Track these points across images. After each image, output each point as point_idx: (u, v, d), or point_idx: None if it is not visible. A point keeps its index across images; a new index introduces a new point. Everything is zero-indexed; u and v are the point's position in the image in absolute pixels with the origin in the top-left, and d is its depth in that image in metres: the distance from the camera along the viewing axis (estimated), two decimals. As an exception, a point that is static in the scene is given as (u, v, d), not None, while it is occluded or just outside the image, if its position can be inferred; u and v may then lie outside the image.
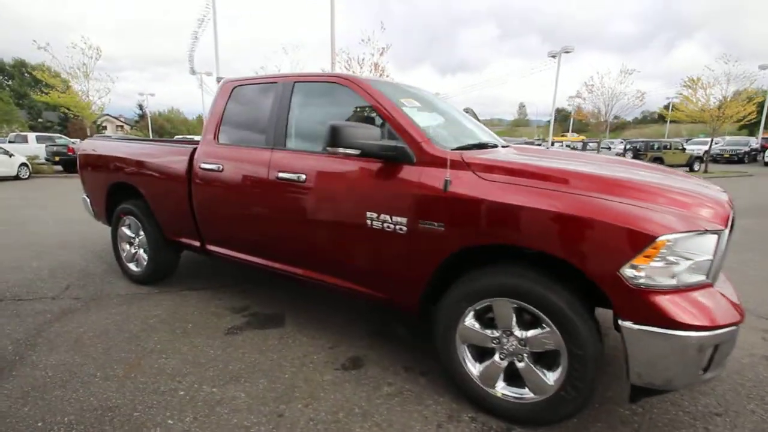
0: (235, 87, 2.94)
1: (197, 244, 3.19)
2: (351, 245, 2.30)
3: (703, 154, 19.34)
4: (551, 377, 1.81)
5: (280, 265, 2.70)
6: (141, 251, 3.64)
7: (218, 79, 18.84)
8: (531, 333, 1.84)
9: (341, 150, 2.02)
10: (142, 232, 3.57)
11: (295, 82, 2.63)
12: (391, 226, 2.09)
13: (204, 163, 2.89)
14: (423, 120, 2.36)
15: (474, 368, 2.01)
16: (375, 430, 1.87)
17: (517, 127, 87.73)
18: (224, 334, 2.77)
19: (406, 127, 2.14)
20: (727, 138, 24.53)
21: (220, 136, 2.93)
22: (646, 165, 2.45)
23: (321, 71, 2.58)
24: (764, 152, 22.25)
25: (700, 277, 1.62)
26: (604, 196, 1.66)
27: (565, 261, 1.69)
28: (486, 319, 1.99)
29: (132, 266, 3.74)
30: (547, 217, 1.69)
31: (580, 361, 1.71)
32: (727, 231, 1.65)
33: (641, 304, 1.58)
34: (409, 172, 2.06)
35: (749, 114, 17.03)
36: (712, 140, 19.07)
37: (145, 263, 3.59)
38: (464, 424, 1.92)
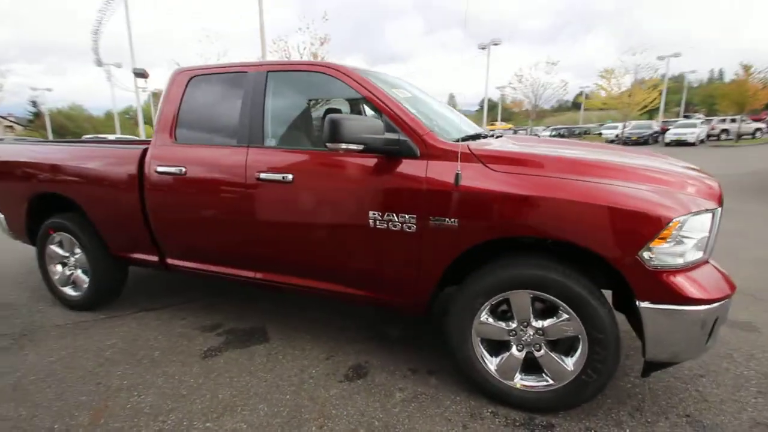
0: (192, 77, 2.58)
1: (154, 258, 2.79)
2: (349, 247, 2.14)
3: (615, 138, 21.70)
4: (570, 363, 1.84)
5: (261, 274, 2.45)
6: (79, 272, 3.11)
7: (136, 73, 16.88)
8: (549, 322, 1.85)
9: (343, 146, 1.85)
10: (78, 250, 3.06)
11: (268, 71, 2.37)
12: (398, 224, 1.97)
13: (160, 165, 2.51)
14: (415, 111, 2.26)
15: (491, 363, 1.98)
16: (401, 442, 1.77)
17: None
18: (201, 358, 2.46)
19: (406, 119, 2.02)
20: (633, 122, 27.43)
21: (177, 134, 2.56)
22: (632, 150, 2.58)
23: (296, 60, 2.34)
24: (664, 134, 25.32)
25: (700, 254, 1.73)
26: (618, 182, 1.70)
27: (587, 248, 1.71)
28: (499, 312, 1.96)
29: (68, 290, 3.19)
30: (567, 207, 1.69)
31: (600, 344, 1.75)
32: (720, 209, 1.78)
33: (657, 285, 1.65)
34: (413, 167, 1.96)
35: (653, 100, 19.44)
36: (624, 125, 21.51)
37: (85, 285, 3.08)
38: (488, 421, 1.89)
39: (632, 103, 18.91)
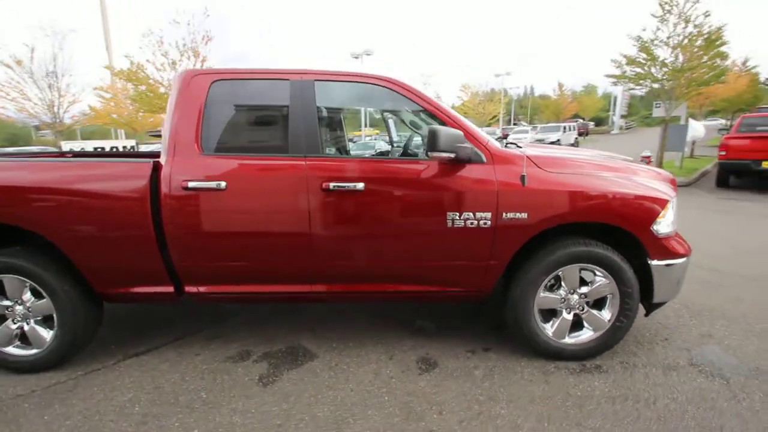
0: (215, 81, 2.34)
1: (167, 290, 2.41)
2: (427, 248, 2.31)
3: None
4: (606, 315, 2.42)
5: (321, 287, 2.40)
6: (33, 323, 2.42)
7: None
8: (590, 287, 2.38)
9: (442, 154, 2.04)
10: (29, 296, 2.39)
11: (315, 80, 2.34)
12: (475, 222, 2.25)
13: (190, 181, 2.22)
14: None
15: (548, 329, 2.43)
16: (512, 408, 2.06)
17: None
18: (263, 386, 2.28)
19: (471, 129, 2.32)
20: (484, 129, 32.59)
21: (203, 145, 2.29)
22: (606, 154, 3.34)
23: (346, 71, 2.40)
24: (506, 138, 30.44)
25: (675, 226, 2.49)
26: (634, 177, 2.35)
27: (618, 226, 2.29)
28: (548, 286, 2.42)
29: (13, 350, 2.44)
30: (605, 197, 2.25)
31: (629, 296, 2.36)
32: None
33: (661, 247, 2.34)
34: (484, 172, 2.26)
35: (496, 111, 24.12)
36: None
37: (46, 339, 2.42)
38: (557, 374, 2.33)
39: (485, 113, 23.40)
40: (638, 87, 10.39)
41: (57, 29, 11.59)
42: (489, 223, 2.25)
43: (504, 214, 2.24)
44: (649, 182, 2.42)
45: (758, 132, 8.13)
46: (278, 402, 2.14)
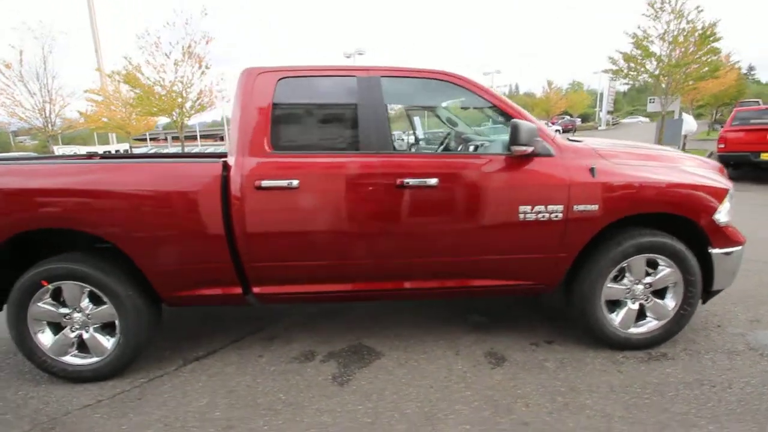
0: (281, 79, 2.30)
1: (234, 291, 2.36)
2: (499, 242, 2.33)
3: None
4: (670, 304, 2.47)
5: (389, 285, 2.39)
6: (92, 331, 2.35)
7: None
8: (655, 277, 2.43)
9: (524, 148, 2.06)
10: (88, 302, 2.32)
11: (381, 76, 2.33)
12: (546, 215, 2.27)
13: (263, 180, 2.18)
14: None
15: (614, 320, 2.46)
16: (596, 398, 2.09)
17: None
18: (339, 385, 2.26)
19: (539, 124, 2.33)
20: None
21: (274, 143, 2.26)
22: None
23: (410, 67, 2.39)
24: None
25: (731, 216, 2.55)
26: (694, 168, 2.40)
27: (682, 216, 2.34)
28: (613, 278, 2.46)
29: (71, 360, 2.37)
30: (672, 188, 2.30)
31: (692, 284, 2.42)
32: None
33: (721, 236, 2.40)
34: (554, 165, 2.29)
35: None
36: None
37: (108, 346, 2.35)
38: (627, 363, 2.37)
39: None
40: (635, 82, 10.63)
41: (46, 31, 11.21)
42: (560, 216, 2.28)
43: (575, 206, 2.27)
44: (705, 172, 2.48)
45: (754, 125, 8.40)
46: (361, 400, 2.12)
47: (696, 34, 9.09)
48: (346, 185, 2.23)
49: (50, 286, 2.27)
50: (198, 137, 37.69)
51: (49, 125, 11.52)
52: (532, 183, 2.27)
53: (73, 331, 2.36)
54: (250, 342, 2.77)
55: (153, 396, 2.23)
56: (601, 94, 40.70)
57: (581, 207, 2.27)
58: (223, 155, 2.32)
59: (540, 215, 2.27)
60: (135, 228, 2.20)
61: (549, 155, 2.30)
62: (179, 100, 10.80)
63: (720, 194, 2.36)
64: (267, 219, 2.22)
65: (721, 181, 2.44)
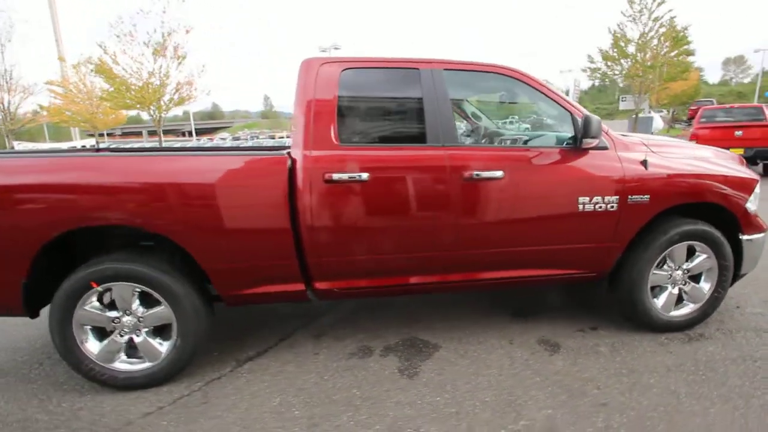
0: (345, 70, 2.26)
1: (297, 288, 2.30)
2: (558, 232, 2.40)
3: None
4: (705, 288, 2.65)
5: (452, 277, 2.42)
6: (144, 334, 2.22)
7: None
8: (693, 263, 2.60)
9: (594, 141, 2.14)
10: (139, 305, 2.20)
11: (445, 69, 2.33)
12: (603, 206, 2.37)
13: (333, 173, 2.14)
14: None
15: (658, 303, 2.61)
16: (657, 377, 2.21)
17: (266, 118, 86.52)
18: (408, 378, 2.26)
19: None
20: None
21: (341, 136, 2.21)
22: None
23: (472, 61, 2.41)
24: None
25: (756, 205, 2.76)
26: (727, 163, 2.59)
27: (718, 204, 2.52)
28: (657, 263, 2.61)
29: (121, 366, 2.23)
30: (714, 179, 2.48)
31: (726, 268, 2.60)
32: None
33: (752, 223, 2.61)
34: (610, 158, 2.39)
35: None
36: None
37: (162, 352, 2.23)
38: (672, 343, 2.53)
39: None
40: (606, 80, 11.20)
41: (5, 18, 10.28)
42: (615, 206, 2.38)
43: (629, 197, 2.38)
44: (735, 165, 2.67)
45: (720, 122, 9.07)
46: (438, 392, 2.13)
47: (671, 37, 9.72)
48: (414, 178, 2.23)
49: (100, 288, 2.12)
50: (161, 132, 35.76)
51: (9, 119, 10.61)
52: (590, 175, 2.37)
53: (122, 336, 2.22)
54: (300, 340, 2.71)
55: (218, 399, 2.15)
56: (567, 92, 42.59)
57: (635, 198, 2.39)
58: (274, 148, 2.23)
59: (597, 206, 2.37)
60: (198, 223, 2.09)
61: (605, 148, 2.40)
62: (157, 94, 10.21)
63: (751, 185, 2.56)
64: (336, 212, 2.18)
65: (749, 172, 2.65)
